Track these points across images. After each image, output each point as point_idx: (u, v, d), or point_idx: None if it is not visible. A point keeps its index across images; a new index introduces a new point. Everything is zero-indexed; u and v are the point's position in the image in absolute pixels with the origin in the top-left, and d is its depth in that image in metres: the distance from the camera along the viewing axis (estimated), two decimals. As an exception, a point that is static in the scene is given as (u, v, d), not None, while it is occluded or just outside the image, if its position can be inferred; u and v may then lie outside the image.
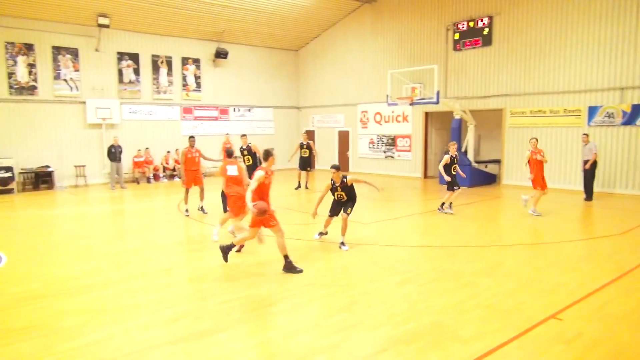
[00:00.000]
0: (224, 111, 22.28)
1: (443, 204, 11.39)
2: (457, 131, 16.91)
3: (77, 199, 15.02)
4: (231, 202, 8.41)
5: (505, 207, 12.66)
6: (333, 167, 8.17)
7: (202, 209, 11.67)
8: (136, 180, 18.85)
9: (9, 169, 16.21)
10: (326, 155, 22.67)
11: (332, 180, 8.20)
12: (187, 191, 11.52)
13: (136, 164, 19.08)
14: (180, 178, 11.88)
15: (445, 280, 6.45)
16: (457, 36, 17.78)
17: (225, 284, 6.43)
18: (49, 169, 17.26)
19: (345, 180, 8.10)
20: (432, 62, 17.89)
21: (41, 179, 17.10)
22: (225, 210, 9.62)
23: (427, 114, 19.36)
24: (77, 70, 18.00)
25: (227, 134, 20.70)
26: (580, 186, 14.28)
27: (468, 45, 17.51)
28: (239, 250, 7.83)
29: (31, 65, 17.05)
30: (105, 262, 7.59)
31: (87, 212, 12.78)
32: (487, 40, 16.91)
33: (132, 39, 19.33)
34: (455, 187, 11.17)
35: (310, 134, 21.40)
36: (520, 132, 16.40)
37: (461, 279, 6.51)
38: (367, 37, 21.15)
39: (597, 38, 14.39)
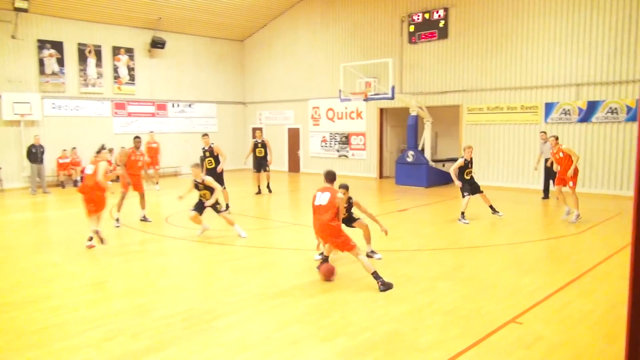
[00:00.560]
0: (161, 107, 21.76)
1: (463, 213, 10.98)
2: (413, 128, 17.29)
3: (-8, 206, 14.25)
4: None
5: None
6: (342, 186, 7.80)
7: (145, 217, 11.34)
8: (61, 184, 18.11)
9: None
10: (275, 154, 22.53)
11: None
12: (123, 196, 11.10)
13: (61, 166, 18.31)
14: (119, 180, 11.46)
15: (404, 286, 6.57)
16: (412, 28, 18.18)
17: (165, 298, 6.28)
18: (-43, 172, 16.33)
19: (351, 201, 7.96)
20: (386, 56, 18.22)
21: (-52, 184, 16.15)
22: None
23: (382, 110, 19.70)
24: (-10, 60, 17.11)
25: (151, 131, 19.89)
26: (537, 185, 14.96)
27: (424, 38, 17.94)
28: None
29: None
30: (25, 277, 7.23)
31: (3, 221, 12.15)
32: (443, 33, 17.40)
33: (55, 25, 18.54)
34: (465, 194, 10.96)
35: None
36: (477, 129, 16.99)
37: (420, 284, 6.66)
38: (318, 27, 21.28)
39: (552, 33, 15.13)
